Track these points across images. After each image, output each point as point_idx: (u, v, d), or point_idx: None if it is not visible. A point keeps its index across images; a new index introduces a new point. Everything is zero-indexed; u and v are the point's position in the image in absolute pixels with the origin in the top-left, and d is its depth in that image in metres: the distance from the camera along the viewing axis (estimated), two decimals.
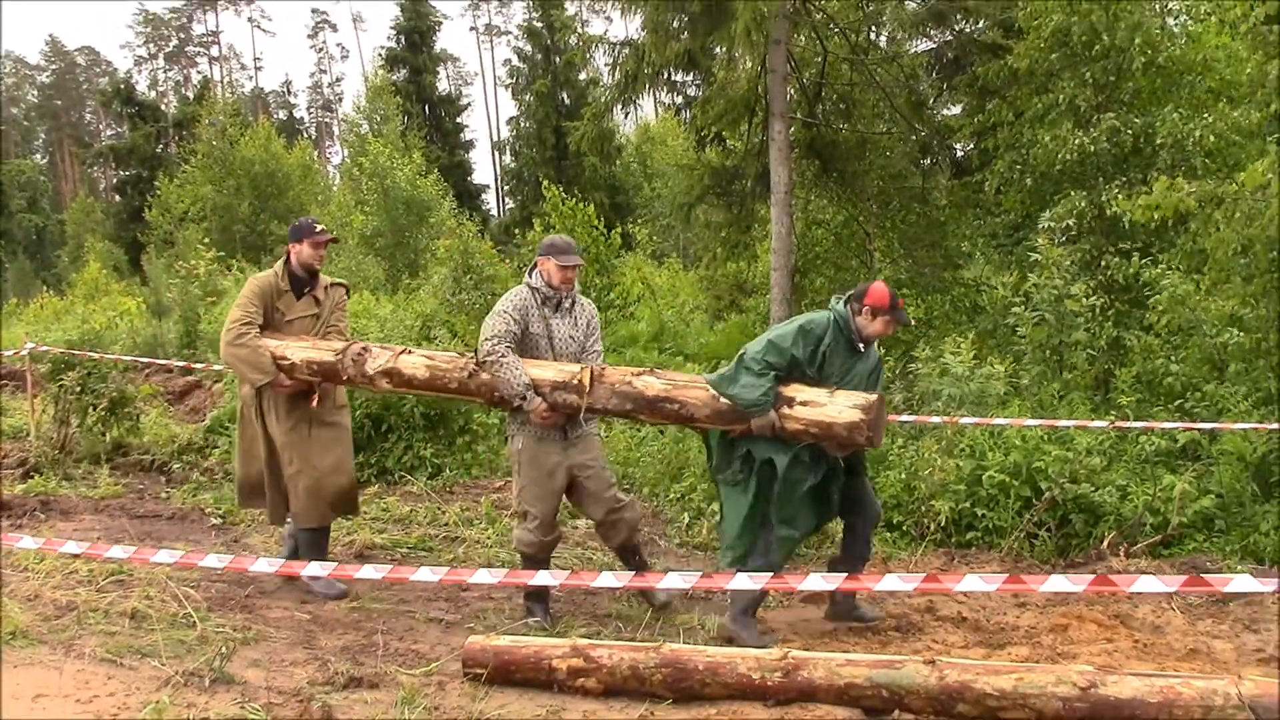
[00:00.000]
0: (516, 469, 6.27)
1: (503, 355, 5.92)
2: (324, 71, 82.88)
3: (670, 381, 5.89)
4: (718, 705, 4.69)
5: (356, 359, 6.43)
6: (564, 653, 4.97)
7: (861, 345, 5.79)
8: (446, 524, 8.28)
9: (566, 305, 6.19)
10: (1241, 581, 3.16)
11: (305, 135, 67.52)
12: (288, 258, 6.70)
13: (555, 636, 5.49)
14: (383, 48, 52.10)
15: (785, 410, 5.53)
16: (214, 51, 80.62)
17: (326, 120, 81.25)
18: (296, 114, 78.09)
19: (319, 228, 6.72)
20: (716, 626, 5.85)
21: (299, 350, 6.50)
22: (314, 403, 6.56)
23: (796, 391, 5.58)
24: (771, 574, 4.86)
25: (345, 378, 6.50)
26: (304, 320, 6.68)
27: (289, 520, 6.78)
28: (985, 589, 3.61)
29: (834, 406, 5.49)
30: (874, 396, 5.53)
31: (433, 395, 6.81)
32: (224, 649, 5.14)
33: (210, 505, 8.78)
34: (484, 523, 8.20)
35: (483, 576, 4.13)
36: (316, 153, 63.95)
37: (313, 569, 5.35)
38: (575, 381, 5.91)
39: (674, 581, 4.31)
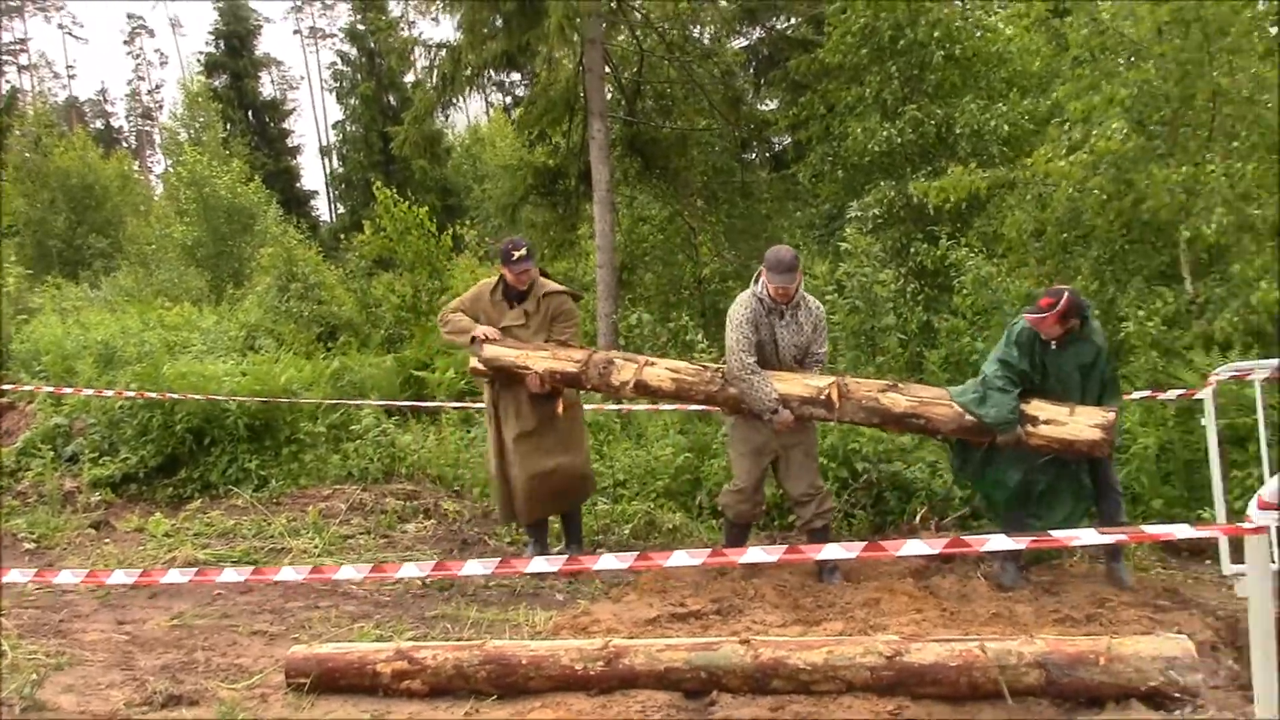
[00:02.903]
0: (730, 441, 6.91)
1: (752, 371, 6.40)
2: (142, 79, 79.74)
3: (916, 398, 6.31)
4: (542, 698, 4.75)
5: (603, 371, 6.88)
6: (388, 656, 4.98)
7: (1054, 344, 6.24)
8: (272, 536, 8.15)
9: (790, 312, 6.50)
10: (996, 541, 3.37)
11: (124, 145, 65.09)
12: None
13: (379, 641, 5.49)
14: (201, 53, 50.43)
15: (1030, 429, 6.03)
16: (23, 60, 76.98)
17: (147, 129, 78.34)
18: (115, 123, 75.08)
19: (515, 255, 7.05)
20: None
21: (540, 361, 6.91)
22: (559, 409, 7.08)
23: (1039, 410, 6.07)
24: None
25: (589, 386, 7.01)
26: (514, 328, 7.13)
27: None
28: (767, 559, 3.77)
29: (1075, 425, 5.99)
30: (1112, 414, 6.01)
31: (675, 402, 7.36)
32: (35, 676, 5.00)
33: (24, 530, 8.47)
34: (311, 532, 8.09)
35: (287, 574, 4.10)
36: (137, 162, 61.72)
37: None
38: (823, 397, 6.30)
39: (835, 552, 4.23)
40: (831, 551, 3.58)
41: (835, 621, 5.60)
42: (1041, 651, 4.43)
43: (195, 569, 4.90)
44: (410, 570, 3.93)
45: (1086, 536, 3.56)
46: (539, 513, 7.26)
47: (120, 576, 4.22)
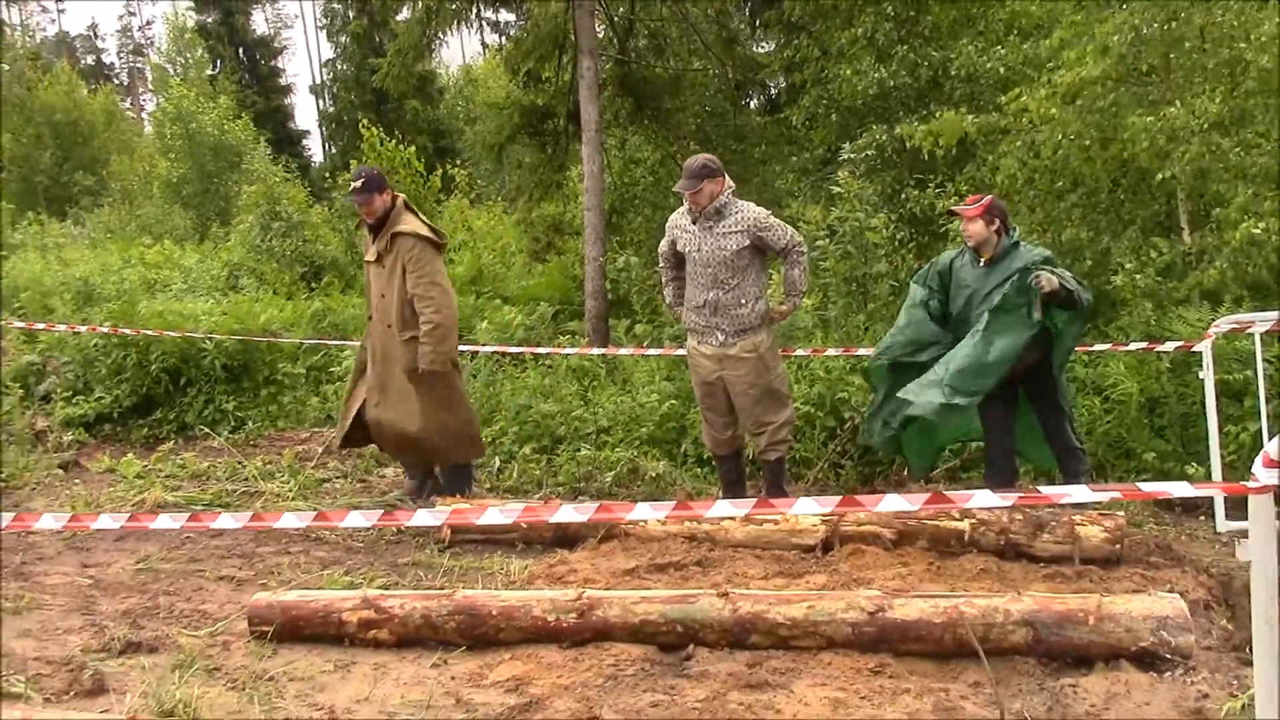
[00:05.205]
0: None
1: (661, 273, 7.00)
2: (133, 14, 78.83)
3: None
4: (513, 649, 4.60)
5: None
6: (354, 605, 4.83)
7: (981, 261, 6.23)
8: (246, 479, 7.97)
9: (712, 220, 6.47)
10: (981, 497, 3.19)
11: (116, 81, 64.39)
12: None
13: (348, 588, 5.34)
14: None
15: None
16: None
17: (139, 65, 77.31)
18: (106, 59, 74.12)
19: (353, 185, 6.84)
20: None
21: None
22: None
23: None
24: None
25: None
26: (374, 265, 6.96)
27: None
28: (736, 513, 3.60)
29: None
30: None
31: None
32: None
33: None
34: (286, 475, 7.92)
35: (225, 521, 3.91)
36: (129, 100, 61.04)
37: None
38: None
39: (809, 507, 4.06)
40: (804, 506, 3.40)
41: (818, 575, 5.42)
42: (1029, 609, 4.28)
43: (127, 515, 4.70)
44: (356, 520, 3.74)
45: (1079, 494, 3.38)
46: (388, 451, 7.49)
47: (50, 521, 4.00)
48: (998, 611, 4.29)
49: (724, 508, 3.53)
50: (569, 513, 3.44)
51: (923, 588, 5.07)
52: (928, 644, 4.31)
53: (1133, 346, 7.23)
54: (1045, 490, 3.35)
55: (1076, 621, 4.21)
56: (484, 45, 44.41)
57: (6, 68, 32.66)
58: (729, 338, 6.51)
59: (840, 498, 3.16)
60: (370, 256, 6.94)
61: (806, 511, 3.44)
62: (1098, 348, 7.46)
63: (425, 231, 6.81)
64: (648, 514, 3.33)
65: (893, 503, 3.08)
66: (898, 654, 4.32)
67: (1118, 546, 5.51)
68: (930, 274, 6.51)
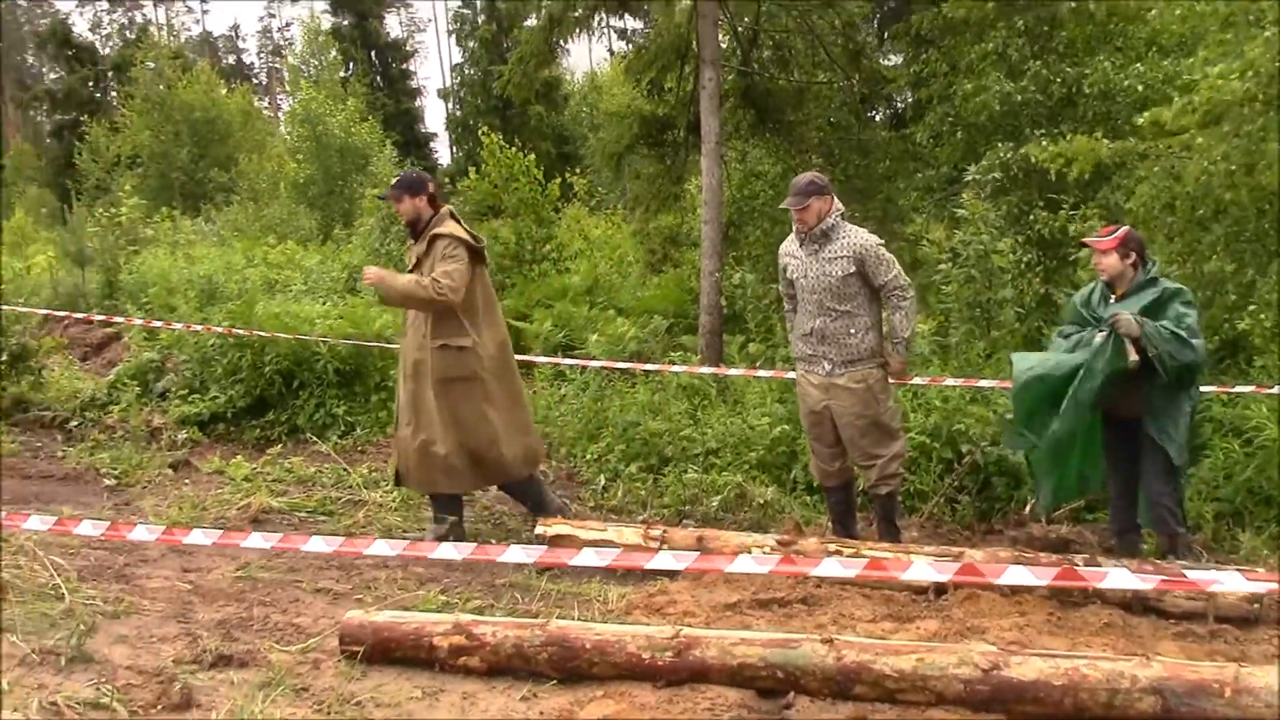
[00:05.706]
0: None
1: (782, 304, 6.75)
2: (273, 15, 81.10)
3: None
4: (605, 686, 4.42)
5: None
6: (446, 630, 4.70)
7: (1113, 296, 5.89)
8: (351, 486, 7.96)
9: (819, 243, 6.24)
10: (1117, 576, 2.92)
11: (255, 81, 66.16)
12: None
13: (443, 609, 5.23)
14: None
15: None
16: None
17: (277, 66, 79.47)
18: (246, 59, 76.40)
19: (392, 183, 6.83)
20: None
21: None
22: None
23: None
24: None
25: None
26: (412, 271, 6.70)
27: None
28: (844, 574, 3.38)
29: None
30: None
31: None
32: (84, 624, 4.82)
33: (106, 465, 8.41)
34: (390, 484, 7.88)
35: (316, 544, 3.84)
36: (267, 100, 62.70)
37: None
38: None
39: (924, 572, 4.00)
40: (919, 571, 3.17)
41: (929, 620, 5.16)
42: (1158, 676, 3.96)
43: (221, 531, 4.65)
44: (447, 551, 3.62)
45: (1230, 582, 3.09)
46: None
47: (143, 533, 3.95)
48: (1123, 677, 3.98)
49: (832, 566, 3.31)
50: (667, 560, 3.27)
51: (1041, 641, 4.78)
52: (1045, 707, 4.02)
53: (1276, 390, 6.80)
54: (1191, 575, 3.07)
55: (1210, 693, 3.88)
56: (610, 51, 44.60)
57: (152, 65, 33.54)
58: (836, 367, 6.24)
59: (959, 565, 2.93)
60: (410, 261, 6.77)
61: (921, 577, 3.19)
62: (1239, 389, 7.05)
63: (463, 234, 6.62)
64: (750, 567, 3.13)
65: (1016, 575, 2.84)
66: (1012, 716, 4.04)
67: (1256, 605, 5.15)
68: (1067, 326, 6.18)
